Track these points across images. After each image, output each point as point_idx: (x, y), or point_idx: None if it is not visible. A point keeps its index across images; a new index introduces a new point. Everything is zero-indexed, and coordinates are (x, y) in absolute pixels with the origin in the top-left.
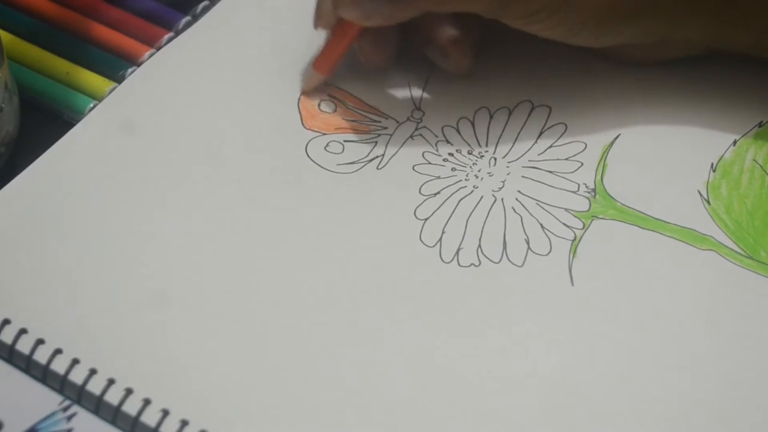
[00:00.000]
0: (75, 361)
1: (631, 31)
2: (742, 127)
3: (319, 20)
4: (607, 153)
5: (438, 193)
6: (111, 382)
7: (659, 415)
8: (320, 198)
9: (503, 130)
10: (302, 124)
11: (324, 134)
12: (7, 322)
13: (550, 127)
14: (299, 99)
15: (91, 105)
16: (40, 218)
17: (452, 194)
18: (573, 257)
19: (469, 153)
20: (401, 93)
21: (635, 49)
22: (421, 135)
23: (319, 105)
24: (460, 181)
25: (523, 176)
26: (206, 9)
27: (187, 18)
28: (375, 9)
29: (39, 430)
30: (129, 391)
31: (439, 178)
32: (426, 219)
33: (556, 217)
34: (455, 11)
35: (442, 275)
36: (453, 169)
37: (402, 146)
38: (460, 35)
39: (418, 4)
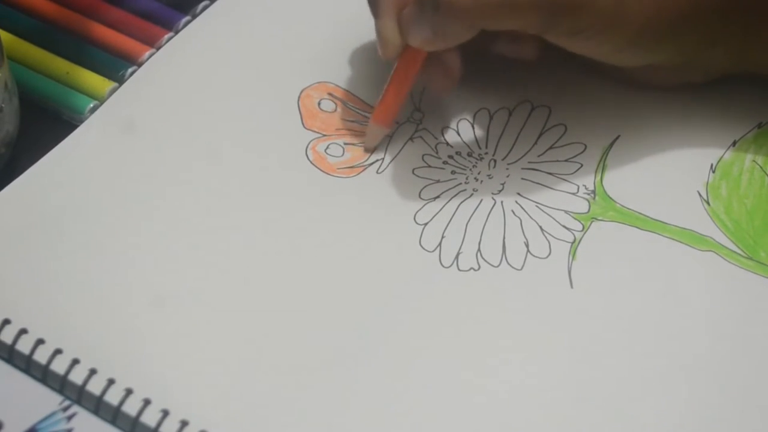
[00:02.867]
0: (75, 361)
1: (667, 50)
2: (742, 128)
3: (385, 49)
4: (607, 154)
5: (438, 197)
6: (111, 382)
7: (660, 417)
8: (320, 202)
9: (503, 132)
10: (302, 123)
11: (324, 135)
12: (7, 322)
13: (549, 129)
14: (299, 98)
15: (91, 105)
16: (41, 219)
17: (452, 198)
18: (572, 260)
19: (469, 155)
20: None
21: (658, 71)
22: (420, 137)
23: (319, 104)
24: (460, 184)
25: (522, 178)
26: (206, 9)
27: (187, 18)
28: (436, 28)
29: (39, 430)
30: (129, 391)
31: (438, 181)
32: (425, 224)
33: (555, 220)
34: (506, 28)
35: (441, 280)
36: (453, 172)
37: (402, 149)
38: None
39: (474, 24)
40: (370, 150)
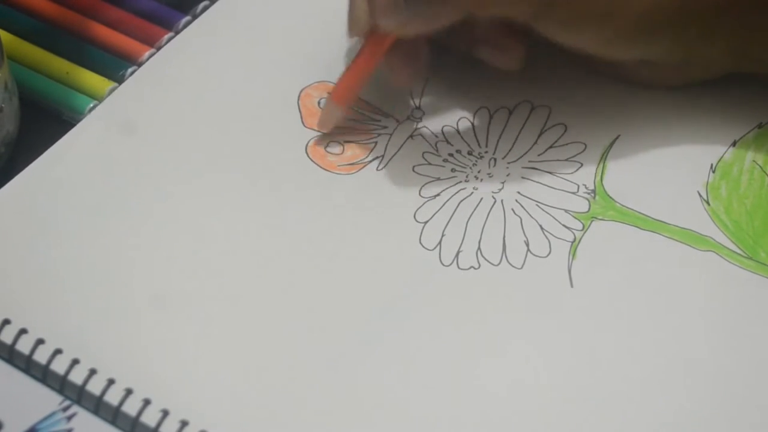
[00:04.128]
0: (75, 361)
1: (663, 44)
2: (742, 127)
3: (353, 28)
4: (607, 154)
5: (438, 195)
6: (111, 382)
7: (659, 416)
8: (320, 200)
9: (503, 131)
10: (302, 122)
11: (324, 133)
12: (7, 322)
13: (549, 128)
14: (299, 97)
15: (91, 105)
16: (41, 218)
17: (452, 196)
18: (572, 259)
19: (469, 153)
20: (400, 92)
21: (658, 69)
22: (420, 135)
23: (319, 103)
24: (460, 182)
25: (522, 177)
26: (206, 9)
27: (187, 18)
28: (414, 15)
29: (39, 430)
30: (129, 391)
31: (438, 179)
32: (426, 222)
33: (555, 219)
34: (494, 14)
35: (441, 278)
36: (453, 170)
37: (402, 146)
38: (509, 27)
39: (459, 5)
40: (326, 129)
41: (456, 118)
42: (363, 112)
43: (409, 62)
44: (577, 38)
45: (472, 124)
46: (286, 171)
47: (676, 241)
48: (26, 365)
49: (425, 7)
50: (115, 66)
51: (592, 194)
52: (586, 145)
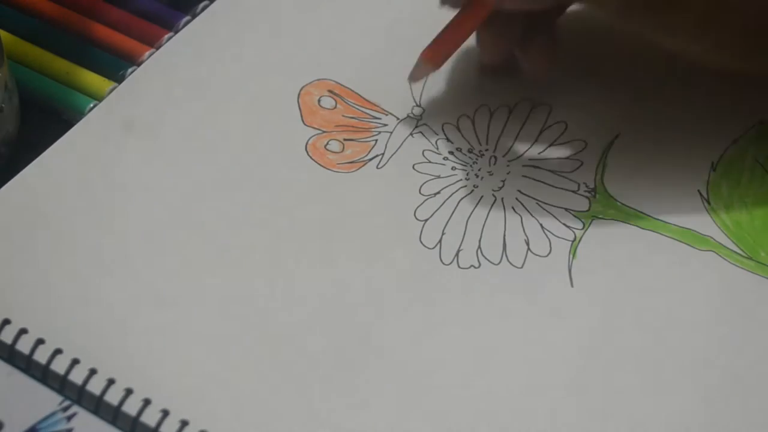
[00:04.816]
0: (75, 361)
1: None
2: (743, 125)
3: None
4: (608, 152)
5: (438, 193)
6: (111, 382)
7: (659, 415)
8: (321, 198)
9: (503, 128)
10: (302, 121)
11: (324, 131)
12: (7, 322)
13: (550, 126)
14: (299, 95)
15: (91, 105)
16: (40, 218)
17: (452, 194)
18: (573, 258)
19: (470, 151)
20: (401, 89)
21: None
22: (421, 132)
23: (319, 101)
24: (460, 180)
25: (523, 175)
26: (206, 9)
27: (187, 18)
28: None
29: (39, 430)
30: (129, 391)
31: (439, 177)
32: (426, 220)
33: (556, 217)
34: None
35: (441, 277)
36: (453, 168)
37: (402, 144)
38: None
39: None
40: (415, 81)
41: (456, 116)
42: (363, 109)
43: (500, 41)
44: (666, 37)
45: (473, 121)
46: (286, 169)
47: (676, 240)
48: (26, 365)
49: None
50: (115, 66)
51: (593, 193)
52: (586, 143)
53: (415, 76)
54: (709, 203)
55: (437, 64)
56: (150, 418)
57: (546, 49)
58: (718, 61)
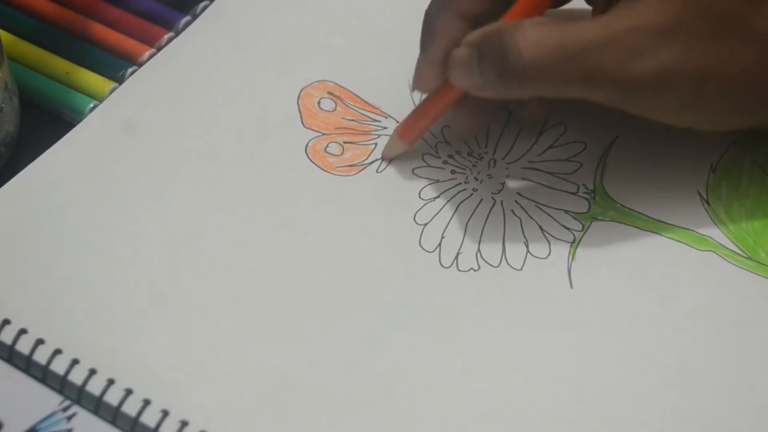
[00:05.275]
0: (75, 362)
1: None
2: None
3: (419, 83)
4: (607, 154)
5: (437, 197)
6: (111, 382)
7: (659, 416)
8: (320, 201)
9: (503, 131)
10: (302, 123)
11: (324, 133)
12: (7, 322)
13: (549, 128)
14: (299, 97)
15: (91, 105)
16: (40, 218)
17: (452, 198)
18: (572, 260)
19: (469, 154)
20: (401, 92)
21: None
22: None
23: (319, 103)
24: (460, 184)
25: (522, 178)
26: (206, 9)
27: (187, 18)
28: (490, 83)
29: (39, 430)
30: (129, 392)
31: (438, 181)
32: (425, 224)
33: (555, 219)
34: (573, 97)
35: (441, 280)
36: (452, 172)
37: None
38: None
39: (536, 87)
40: (387, 160)
41: None
42: (363, 111)
43: (476, 118)
44: (671, 118)
45: None
46: (286, 171)
47: (676, 241)
48: (26, 365)
49: (502, 82)
50: (115, 66)
51: (592, 194)
52: (585, 145)
53: (387, 153)
54: (708, 204)
55: (410, 141)
56: (150, 418)
57: (540, 106)
58: (704, 126)
